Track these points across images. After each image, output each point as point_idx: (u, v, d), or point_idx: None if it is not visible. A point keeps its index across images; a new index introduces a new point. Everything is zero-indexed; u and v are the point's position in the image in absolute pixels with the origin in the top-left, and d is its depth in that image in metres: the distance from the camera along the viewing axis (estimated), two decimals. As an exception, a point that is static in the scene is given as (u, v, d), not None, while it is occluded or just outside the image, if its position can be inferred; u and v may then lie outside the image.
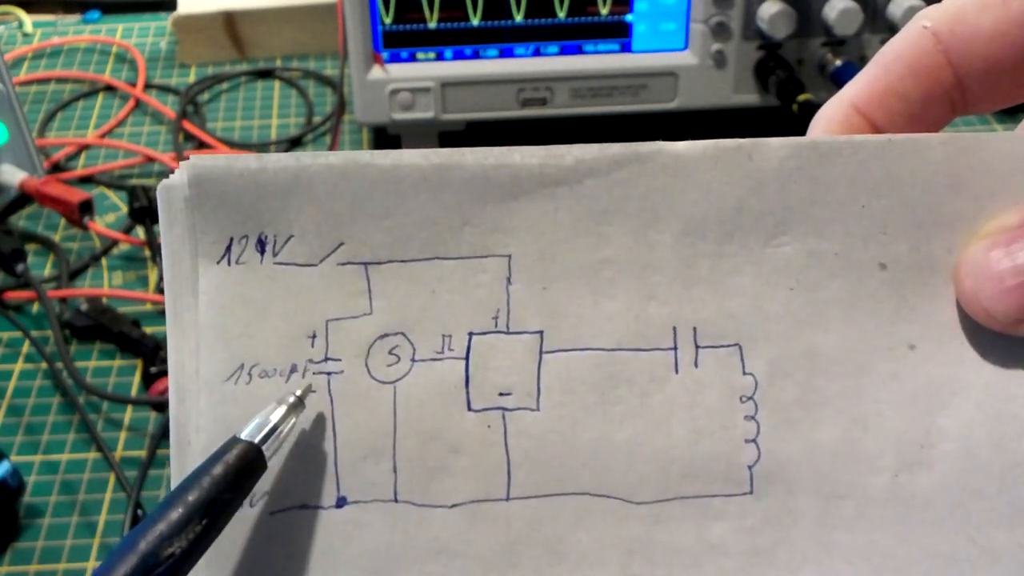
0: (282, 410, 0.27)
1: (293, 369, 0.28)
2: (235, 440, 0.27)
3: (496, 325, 0.28)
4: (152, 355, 0.69)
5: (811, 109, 0.58)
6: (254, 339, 0.28)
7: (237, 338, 0.28)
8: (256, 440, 0.27)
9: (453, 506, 0.28)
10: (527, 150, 0.28)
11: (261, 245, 0.28)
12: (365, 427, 0.28)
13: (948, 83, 0.30)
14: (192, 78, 0.98)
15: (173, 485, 0.28)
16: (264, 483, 0.28)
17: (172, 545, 0.24)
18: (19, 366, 0.71)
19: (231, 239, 0.28)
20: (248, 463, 0.26)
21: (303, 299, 0.28)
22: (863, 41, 0.82)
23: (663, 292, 0.28)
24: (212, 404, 0.28)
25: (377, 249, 0.28)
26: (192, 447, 0.28)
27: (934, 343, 0.28)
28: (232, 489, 0.26)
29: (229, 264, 0.28)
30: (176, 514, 0.25)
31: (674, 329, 0.29)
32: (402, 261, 0.28)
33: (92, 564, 0.59)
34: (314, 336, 0.28)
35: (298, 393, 0.28)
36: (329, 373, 0.28)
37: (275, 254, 0.28)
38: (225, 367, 0.28)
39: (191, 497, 0.25)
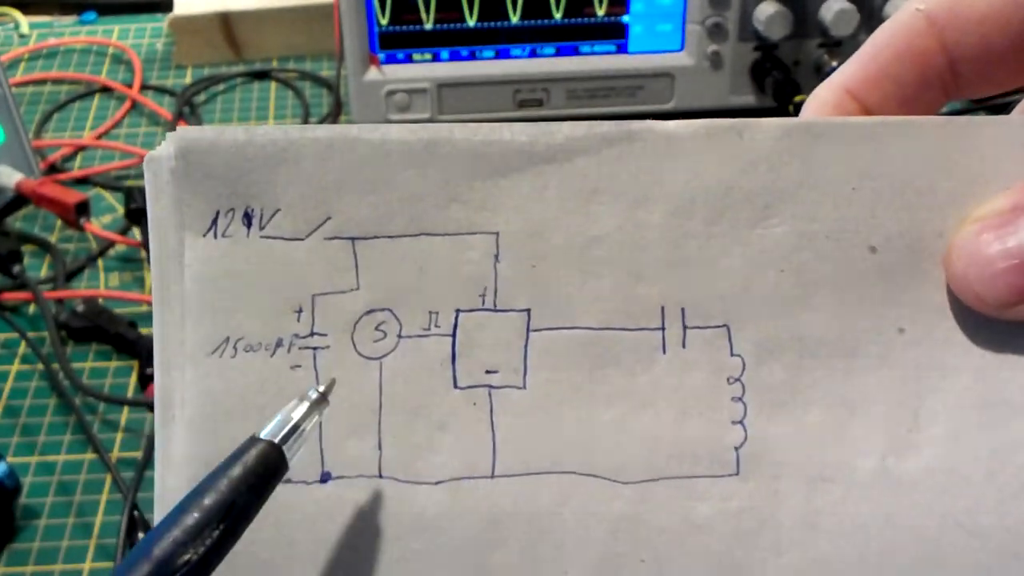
0: (304, 407, 0.26)
1: (279, 343, 0.28)
2: (254, 440, 0.25)
3: (483, 302, 0.28)
4: (148, 356, 0.69)
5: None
6: (240, 313, 0.28)
7: (222, 311, 0.28)
8: (276, 440, 0.25)
9: (438, 483, 0.28)
10: (517, 127, 0.28)
11: (248, 218, 0.28)
12: (350, 403, 0.28)
13: (941, 67, 0.30)
14: (188, 79, 0.98)
15: (158, 462, 0.28)
16: None
17: (188, 552, 0.23)
18: (15, 367, 0.71)
19: (217, 212, 0.28)
20: (269, 464, 0.25)
21: (289, 273, 0.28)
22: (859, 42, 0.81)
23: (651, 272, 0.28)
24: (197, 377, 0.28)
25: (364, 224, 0.28)
26: (176, 420, 0.28)
27: (923, 326, 0.28)
28: (251, 492, 0.24)
29: (215, 237, 0.28)
30: (192, 519, 0.23)
31: (662, 309, 0.28)
32: (389, 236, 0.28)
33: (88, 565, 0.59)
34: (300, 311, 0.28)
35: (321, 389, 0.27)
36: (315, 348, 0.28)
37: (261, 228, 0.28)
38: (210, 340, 0.28)
39: (208, 500, 0.24)
